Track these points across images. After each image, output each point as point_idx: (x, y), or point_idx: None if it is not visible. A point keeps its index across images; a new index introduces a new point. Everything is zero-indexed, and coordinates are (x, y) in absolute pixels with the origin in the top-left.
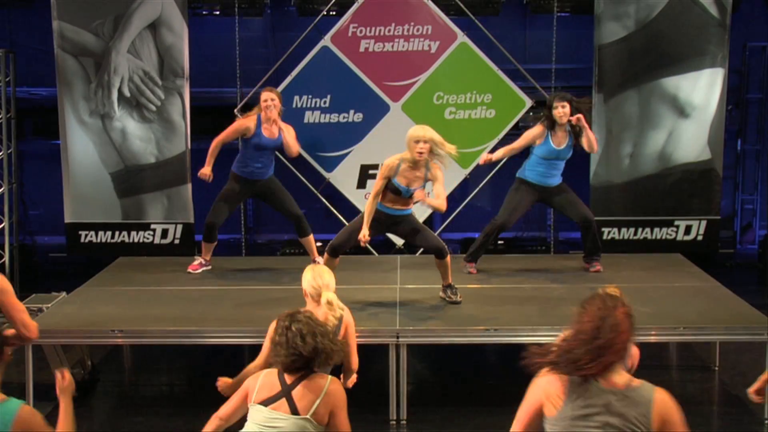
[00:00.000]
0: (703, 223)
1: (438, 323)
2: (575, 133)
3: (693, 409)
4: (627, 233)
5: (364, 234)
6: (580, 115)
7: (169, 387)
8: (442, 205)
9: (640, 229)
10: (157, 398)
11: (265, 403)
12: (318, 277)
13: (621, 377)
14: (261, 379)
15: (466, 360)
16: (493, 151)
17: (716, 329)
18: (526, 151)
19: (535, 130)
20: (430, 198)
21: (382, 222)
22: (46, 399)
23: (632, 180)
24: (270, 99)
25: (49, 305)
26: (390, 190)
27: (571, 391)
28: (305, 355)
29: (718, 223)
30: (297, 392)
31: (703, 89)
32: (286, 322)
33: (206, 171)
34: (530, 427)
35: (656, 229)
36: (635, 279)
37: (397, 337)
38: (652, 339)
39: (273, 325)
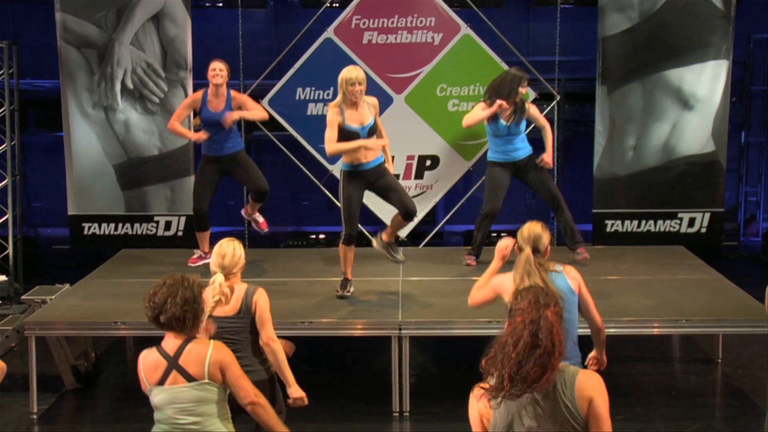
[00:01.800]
0: (707, 216)
1: (440, 315)
2: (518, 109)
3: (695, 401)
4: (630, 225)
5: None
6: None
7: None
8: (388, 158)
9: (643, 222)
10: None
11: (161, 381)
12: (217, 256)
13: None
14: (142, 365)
15: (468, 352)
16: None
17: (719, 322)
18: None
19: (488, 103)
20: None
21: (361, 181)
22: (49, 390)
23: (636, 172)
24: (218, 69)
25: (53, 297)
26: (346, 138)
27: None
28: (173, 314)
29: (722, 215)
30: (184, 361)
31: (707, 81)
32: (163, 281)
33: (194, 136)
34: None
35: (659, 222)
36: (638, 271)
37: (400, 330)
38: (655, 331)
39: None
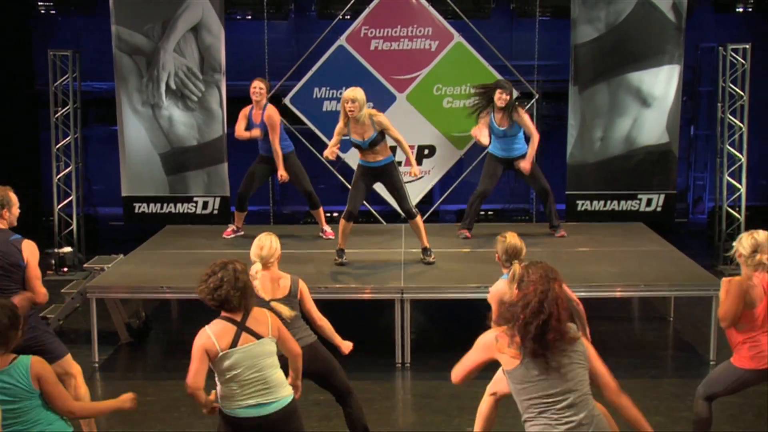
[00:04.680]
0: (662, 197)
1: (437, 281)
2: (510, 113)
3: (652, 353)
4: (598, 205)
5: (332, 151)
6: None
7: None
8: (413, 163)
9: (608, 202)
10: None
11: (233, 344)
12: (256, 247)
13: None
14: (211, 333)
15: (460, 312)
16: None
17: (671, 286)
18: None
19: (483, 112)
20: (413, 169)
21: (368, 174)
22: (107, 343)
23: (602, 160)
24: (258, 87)
25: (109, 265)
26: (355, 146)
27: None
28: (239, 285)
29: (674, 196)
30: (251, 323)
31: (662, 83)
32: (212, 269)
33: (255, 133)
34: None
35: (622, 202)
36: (604, 244)
37: (402, 294)
38: (618, 294)
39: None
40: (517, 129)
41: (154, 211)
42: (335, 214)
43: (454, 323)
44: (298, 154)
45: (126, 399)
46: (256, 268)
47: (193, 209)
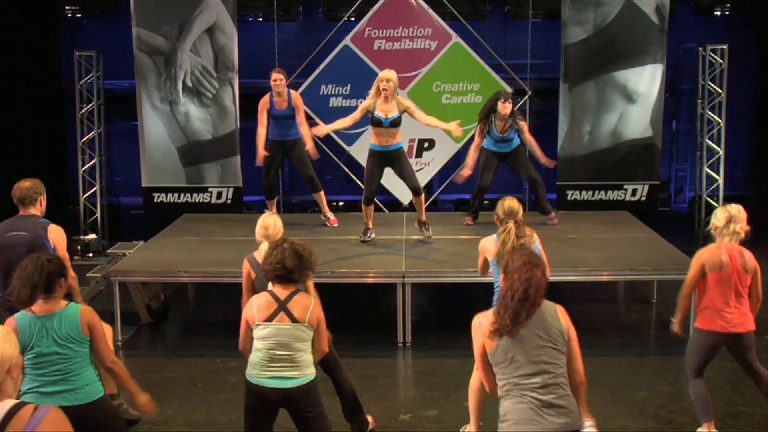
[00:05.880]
0: (646, 187)
1: (436, 266)
2: (513, 121)
3: (635, 333)
4: (586, 195)
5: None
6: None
7: (223, 315)
8: (445, 125)
9: (596, 192)
10: (215, 324)
11: (269, 319)
12: (261, 228)
13: None
14: (255, 304)
15: (458, 295)
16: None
17: (655, 270)
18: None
19: (480, 126)
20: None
21: (381, 159)
22: (129, 324)
23: (591, 152)
24: (279, 79)
25: (131, 251)
26: (374, 124)
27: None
28: (287, 266)
29: (657, 187)
30: (291, 306)
31: (646, 81)
32: (276, 244)
33: (262, 153)
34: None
35: (609, 192)
36: (592, 231)
37: (403, 278)
38: (605, 278)
39: (244, 265)
40: (513, 134)
41: (171, 200)
42: (340, 204)
43: (453, 305)
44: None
45: (146, 404)
46: (264, 247)
47: (208, 199)
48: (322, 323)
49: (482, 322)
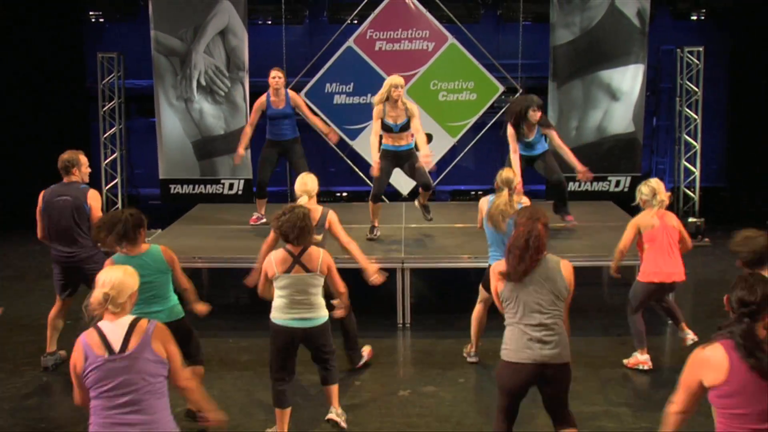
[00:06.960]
0: (628, 179)
1: (434, 253)
2: (542, 125)
3: (619, 314)
4: (573, 186)
5: (376, 162)
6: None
7: (236, 299)
8: (427, 152)
9: (582, 183)
10: (228, 307)
11: (287, 271)
12: (301, 184)
13: None
14: (273, 258)
15: (455, 280)
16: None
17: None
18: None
19: (512, 130)
20: (423, 156)
21: (392, 158)
22: None
23: (577, 146)
24: (278, 76)
25: (149, 239)
26: (384, 129)
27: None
28: (298, 225)
29: (639, 178)
30: (304, 258)
31: (629, 80)
32: (288, 208)
33: (241, 153)
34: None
35: (594, 183)
36: (579, 219)
37: (403, 263)
38: (590, 263)
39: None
40: (537, 138)
41: (187, 191)
42: (344, 194)
43: (450, 289)
44: (311, 140)
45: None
46: (303, 200)
47: (221, 190)
48: (333, 268)
49: (496, 267)
